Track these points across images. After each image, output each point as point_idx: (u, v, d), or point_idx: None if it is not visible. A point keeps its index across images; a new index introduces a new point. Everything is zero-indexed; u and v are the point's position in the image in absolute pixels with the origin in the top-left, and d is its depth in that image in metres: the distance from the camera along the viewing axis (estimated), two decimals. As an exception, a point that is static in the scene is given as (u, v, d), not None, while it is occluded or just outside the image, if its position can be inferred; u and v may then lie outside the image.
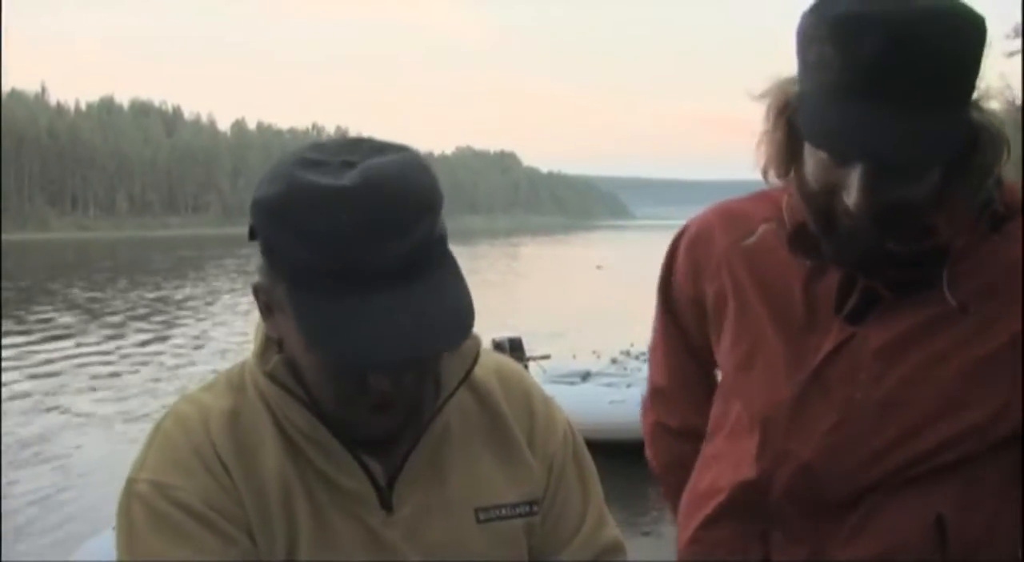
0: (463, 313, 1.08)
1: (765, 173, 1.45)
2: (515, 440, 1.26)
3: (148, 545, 1.10)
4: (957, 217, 1.37)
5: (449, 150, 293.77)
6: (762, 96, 1.40)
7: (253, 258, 1.13)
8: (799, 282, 1.47)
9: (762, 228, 1.53)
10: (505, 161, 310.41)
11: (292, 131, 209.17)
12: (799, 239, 1.44)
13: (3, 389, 17.13)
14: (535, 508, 1.25)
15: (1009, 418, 1.39)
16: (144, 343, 24.71)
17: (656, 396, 1.77)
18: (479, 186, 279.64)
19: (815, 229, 1.40)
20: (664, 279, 1.71)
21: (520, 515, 1.23)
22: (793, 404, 1.44)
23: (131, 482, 1.14)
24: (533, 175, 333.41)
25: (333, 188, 1.03)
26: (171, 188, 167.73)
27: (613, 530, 1.32)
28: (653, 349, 1.78)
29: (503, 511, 1.22)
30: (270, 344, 1.18)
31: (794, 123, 1.36)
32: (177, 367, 20.83)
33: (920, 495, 1.40)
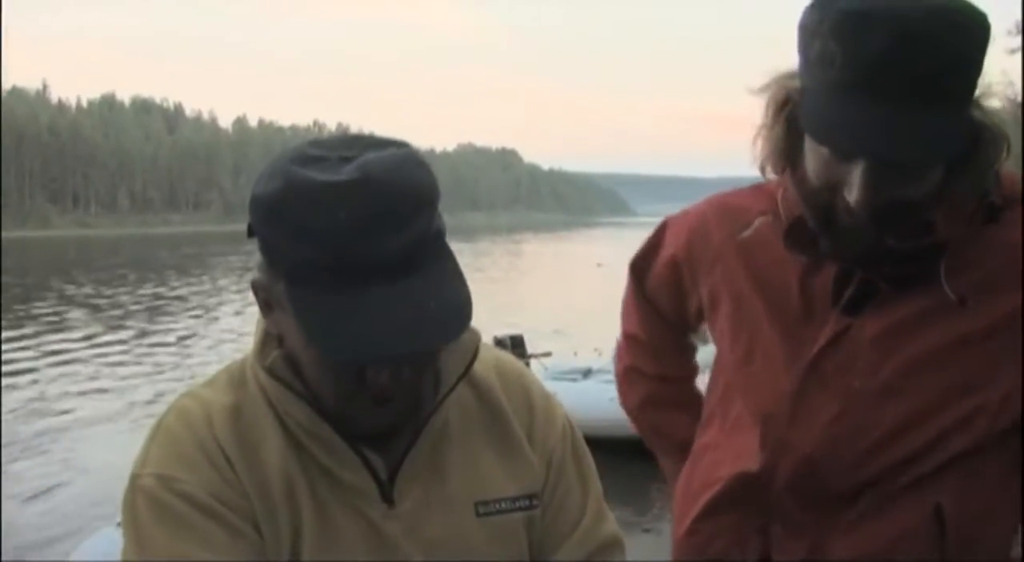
0: (461, 307, 1.08)
1: (763, 168, 1.45)
2: (515, 435, 1.26)
3: (154, 538, 1.10)
4: (956, 213, 1.37)
5: (451, 147, 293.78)
6: (761, 91, 1.40)
7: (255, 255, 1.12)
8: (796, 275, 1.47)
9: (758, 221, 1.53)
10: (506, 158, 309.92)
11: (293, 128, 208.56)
12: (795, 234, 1.44)
13: (3, 387, 17.12)
14: (535, 502, 1.25)
15: (1010, 408, 1.39)
16: (140, 335, 24.72)
17: (630, 341, 1.83)
18: (481, 183, 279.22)
19: (814, 225, 1.40)
20: (640, 264, 1.75)
21: (520, 509, 1.24)
22: (793, 397, 1.44)
23: (135, 477, 1.14)
24: (534, 172, 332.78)
25: (330, 183, 1.03)
26: (172, 185, 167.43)
27: (612, 525, 1.32)
28: (626, 305, 1.82)
29: (503, 505, 1.22)
30: (269, 339, 1.18)
31: (793, 119, 1.36)
32: (175, 366, 20.81)
33: (919, 489, 1.40)
